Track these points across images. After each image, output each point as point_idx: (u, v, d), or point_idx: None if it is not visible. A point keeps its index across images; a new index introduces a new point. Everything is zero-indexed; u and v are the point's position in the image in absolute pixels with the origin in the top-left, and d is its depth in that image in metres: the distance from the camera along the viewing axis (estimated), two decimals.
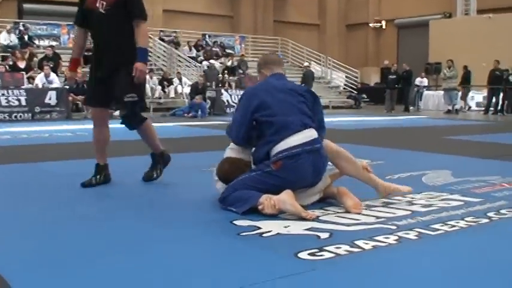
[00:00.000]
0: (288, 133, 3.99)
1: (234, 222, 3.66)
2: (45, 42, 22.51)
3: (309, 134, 4.05)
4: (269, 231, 3.42)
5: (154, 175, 5.29)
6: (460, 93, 21.53)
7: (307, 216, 3.70)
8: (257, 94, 4.18)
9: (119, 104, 5.05)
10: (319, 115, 4.33)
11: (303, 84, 21.44)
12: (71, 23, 23.65)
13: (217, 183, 4.36)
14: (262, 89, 4.22)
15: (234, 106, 18.70)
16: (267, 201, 3.79)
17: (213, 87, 19.95)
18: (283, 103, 4.11)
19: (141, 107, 5.14)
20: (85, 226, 3.59)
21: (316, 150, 4.04)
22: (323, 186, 4.23)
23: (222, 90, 19.48)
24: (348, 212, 3.94)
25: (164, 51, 24.23)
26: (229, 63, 24.13)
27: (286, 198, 3.80)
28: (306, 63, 24.81)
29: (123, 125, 5.24)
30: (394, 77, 21.79)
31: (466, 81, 21.70)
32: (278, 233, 3.40)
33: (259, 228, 3.50)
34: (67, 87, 16.80)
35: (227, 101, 19.04)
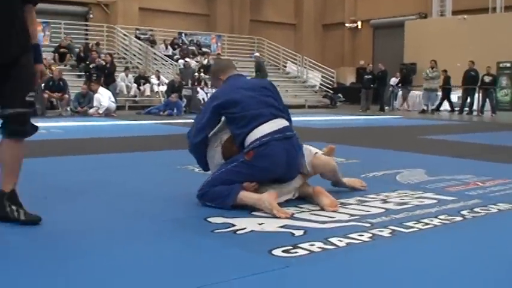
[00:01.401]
0: (258, 123, 4.07)
1: (208, 219, 3.64)
2: None
3: (280, 123, 4.14)
4: (243, 229, 3.41)
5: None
6: (439, 94, 21.66)
7: (279, 215, 3.69)
8: (222, 95, 4.23)
9: (15, 103, 3.48)
10: (283, 105, 4.41)
11: (257, 72, 21.68)
12: (46, 20, 23.60)
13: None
14: (227, 90, 4.28)
15: None
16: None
17: (189, 85, 19.92)
18: (251, 99, 4.17)
19: (35, 111, 3.96)
20: (58, 225, 3.54)
21: (287, 137, 4.13)
22: (298, 185, 4.23)
23: (198, 89, 19.45)
24: (324, 210, 3.94)
25: (140, 49, 24.11)
26: (205, 62, 24.06)
27: (265, 197, 3.84)
28: (256, 53, 24.89)
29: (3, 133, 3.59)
30: (370, 77, 21.93)
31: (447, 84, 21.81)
32: (252, 230, 3.39)
33: (233, 225, 3.49)
34: (42, 84, 16.66)
35: (203, 99, 18.96)
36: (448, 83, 21.59)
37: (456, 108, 21.06)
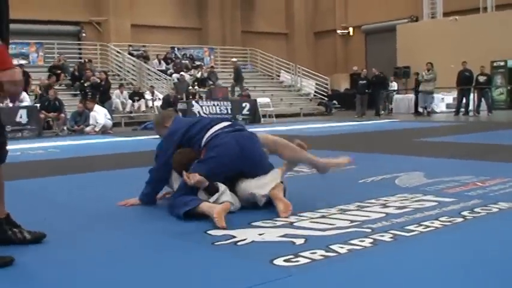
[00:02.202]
0: (210, 126, 4.41)
1: (208, 232, 3.62)
2: (15, 61, 22.24)
3: (229, 123, 4.50)
4: (244, 240, 3.39)
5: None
6: (435, 96, 21.69)
7: (217, 222, 3.70)
8: (178, 128, 4.51)
9: None
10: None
11: (236, 81, 22.43)
12: (40, 41, 23.64)
13: (199, 193, 4.30)
14: (181, 123, 4.58)
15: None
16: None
17: (184, 99, 19.96)
18: (204, 119, 4.69)
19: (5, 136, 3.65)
20: (63, 242, 3.52)
21: (237, 130, 4.39)
22: (272, 181, 4.23)
23: (193, 102, 19.46)
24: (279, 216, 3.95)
25: (133, 65, 24.15)
26: (199, 75, 24.12)
27: (214, 206, 3.87)
28: (233, 59, 24.95)
29: None
30: (364, 82, 21.95)
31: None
32: (253, 241, 3.37)
33: (234, 237, 3.47)
34: (38, 105, 16.72)
35: (198, 112, 19.00)
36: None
37: (452, 109, 21.10)
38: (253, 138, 4.44)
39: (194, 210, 3.94)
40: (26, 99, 17.01)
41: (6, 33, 3.11)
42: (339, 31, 32.54)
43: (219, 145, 4.22)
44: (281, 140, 4.65)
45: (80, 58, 24.32)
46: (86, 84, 18.89)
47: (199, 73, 24.30)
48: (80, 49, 25.89)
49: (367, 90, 21.76)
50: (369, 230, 3.51)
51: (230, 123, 4.52)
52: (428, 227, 3.57)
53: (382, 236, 3.38)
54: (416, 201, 4.39)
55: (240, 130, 4.45)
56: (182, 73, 23.14)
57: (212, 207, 3.86)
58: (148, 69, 23.56)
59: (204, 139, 4.32)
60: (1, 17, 3.12)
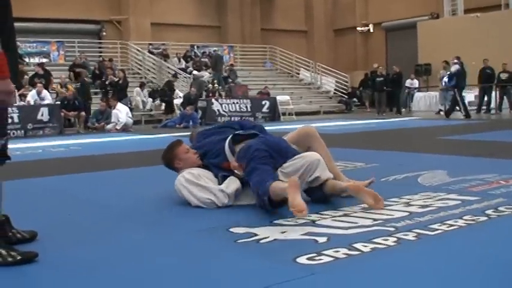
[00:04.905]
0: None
1: (230, 229, 3.62)
2: (35, 60, 22.49)
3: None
4: (266, 238, 3.39)
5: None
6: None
7: (296, 212, 3.64)
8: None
9: None
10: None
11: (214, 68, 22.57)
12: (60, 39, 23.82)
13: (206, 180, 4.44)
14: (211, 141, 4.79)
15: (224, 115, 18.72)
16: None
17: (203, 97, 20.05)
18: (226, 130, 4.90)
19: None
20: (87, 238, 3.55)
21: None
22: (294, 171, 4.28)
23: (213, 100, 19.48)
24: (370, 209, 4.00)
25: (153, 63, 24.24)
26: (221, 73, 24.12)
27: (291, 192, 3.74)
28: (215, 49, 25.21)
29: None
30: (382, 79, 21.82)
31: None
32: (275, 239, 3.36)
33: (256, 234, 3.47)
34: (58, 103, 16.88)
35: (217, 110, 19.02)
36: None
37: (474, 107, 20.89)
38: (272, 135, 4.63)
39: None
40: (48, 97, 17.16)
41: (7, 39, 2.97)
42: (359, 28, 32.39)
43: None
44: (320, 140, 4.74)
45: (101, 56, 24.47)
46: (106, 83, 19.03)
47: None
48: (100, 47, 26.04)
49: (385, 88, 21.63)
50: (393, 229, 3.49)
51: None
52: (452, 225, 3.54)
53: (406, 234, 3.35)
54: (439, 199, 4.35)
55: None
56: (195, 72, 23.19)
57: (285, 191, 3.78)
58: (168, 67, 23.63)
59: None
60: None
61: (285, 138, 4.70)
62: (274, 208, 3.95)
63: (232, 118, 17.71)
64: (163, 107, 20.38)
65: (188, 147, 4.72)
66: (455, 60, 18.53)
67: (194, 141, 5.00)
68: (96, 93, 20.26)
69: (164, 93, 20.31)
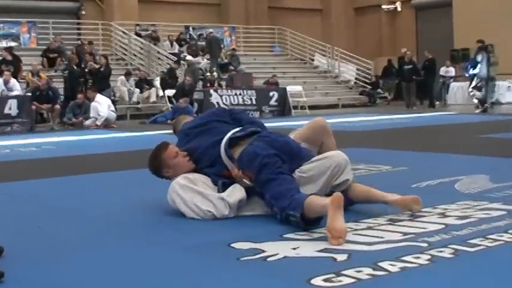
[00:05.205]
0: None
1: (232, 245, 3.60)
2: (2, 43, 22.55)
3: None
4: (275, 255, 3.37)
5: None
6: (499, 84, 21.40)
7: (333, 239, 3.57)
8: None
9: None
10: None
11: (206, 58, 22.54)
12: (32, 19, 23.82)
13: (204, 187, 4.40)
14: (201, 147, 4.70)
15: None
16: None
17: (199, 87, 20.08)
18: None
19: None
20: (61, 255, 3.54)
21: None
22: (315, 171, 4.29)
23: (211, 91, 19.47)
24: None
25: (141, 47, 24.27)
26: (219, 60, 24.11)
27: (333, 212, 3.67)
28: (210, 30, 25.18)
29: None
30: (410, 67, 21.80)
31: None
32: (285, 256, 3.35)
33: (263, 251, 3.45)
34: (29, 94, 16.85)
35: (217, 103, 18.98)
36: None
37: None
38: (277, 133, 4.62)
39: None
40: (17, 87, 17.14)
41: None
42: (384, 6, 32.35)
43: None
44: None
45: (79, 40, 24.48)
46: (86, 70, 19.04)
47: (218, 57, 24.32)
48: (79, 29, 26.08)
49: (414, 77, 21.60)
50: (425, 245, 3.47)
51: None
52: (495, 240, 3.52)
53: (441, 251, 3.33)
54: (480, 209, 4.34)
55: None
56: (189, 57, 23.17)
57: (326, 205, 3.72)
58: (159, 52, 23.66)
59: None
60: None
61: (292, 136, 4.69)
62: (308, 226, 3.88)
63: None
64: (153, 98, 20.43)
65: (177, 150, 4.62)
66: (481, 44, 18.47)
67: (178, 136, 4.92)
68: None
69: (165, 83, 20.27)
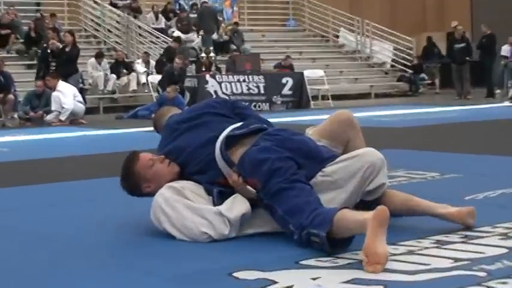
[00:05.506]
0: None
1: (234, 274, 3.60)
2: None
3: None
4: (289, 287, 3.37)
5: None
6: None
7: (370, 265, 3.57)
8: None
9: None
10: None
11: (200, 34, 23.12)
12: None
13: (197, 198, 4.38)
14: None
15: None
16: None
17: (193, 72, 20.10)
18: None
19: None
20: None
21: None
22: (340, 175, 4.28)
23: (207, 77, 19.46)
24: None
25: (118, 22, 24.30)
26: (215, 37, 24.09)
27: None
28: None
29: None
30: (462, 45, 21.74)
31: None
32: None
33: (274, 282, 3.44)
34: None
35: (214, 92, 18.95)
36: None
37: None
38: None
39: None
40: None
41: None
42: None
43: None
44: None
45: (38, 12, 24.53)
46: (48, 51, 19.03)
47: (216, 34, 24.32)
48: None
49: (467, 58, 21.55)
50: (483, 274, 3.46)
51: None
52: None
53: (504, 283, 3.32)
54: None
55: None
56: (177, 33, 23.17)
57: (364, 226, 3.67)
58: (140, 27, 23.68)
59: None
60: None
61: (309, 133, 4.67)
62: (335, 249, 3.86)
63: None
64: (133, 86, 20.48)
65: (151, 156, 4.58)
66: None
67: (161, 133, 4.88)
68: (30, 67, 20.34)
69: (163, 66, 20.20)
